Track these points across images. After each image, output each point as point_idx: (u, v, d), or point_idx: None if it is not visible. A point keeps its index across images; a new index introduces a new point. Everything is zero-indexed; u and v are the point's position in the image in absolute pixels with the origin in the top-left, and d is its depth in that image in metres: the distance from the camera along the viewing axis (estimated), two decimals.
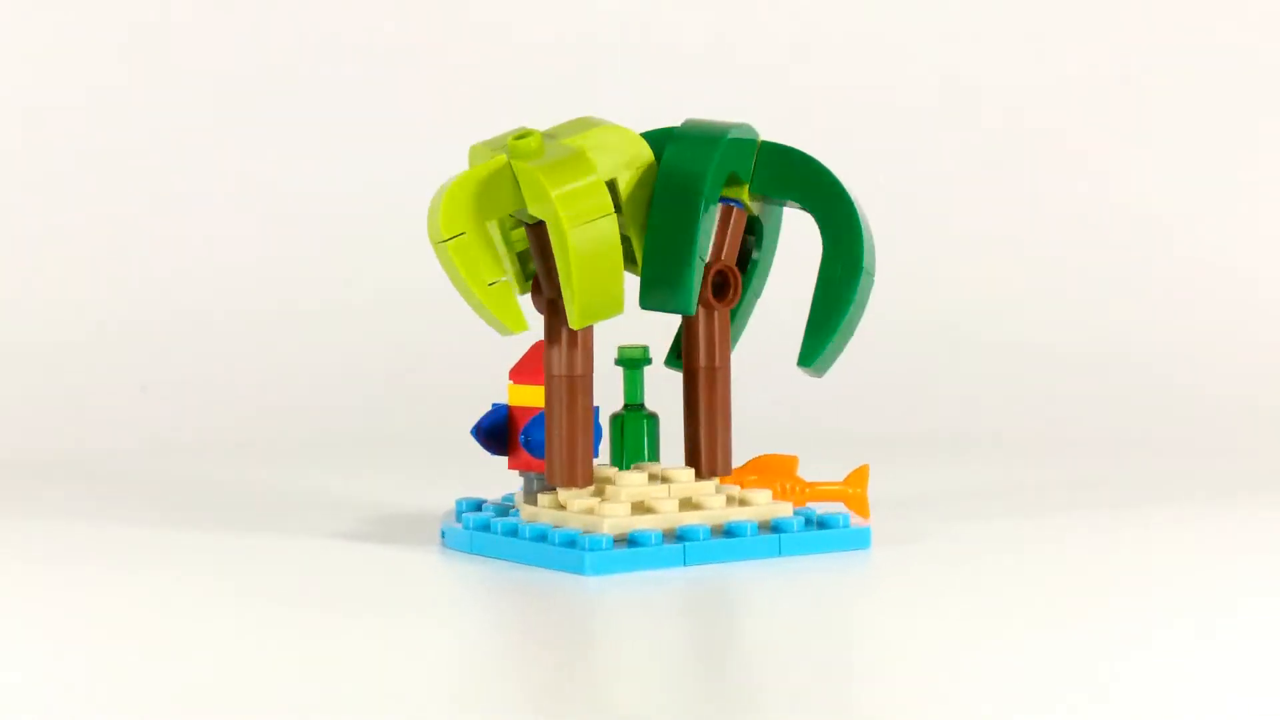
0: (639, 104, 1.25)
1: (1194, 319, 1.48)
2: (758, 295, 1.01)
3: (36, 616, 0.87)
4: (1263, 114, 1.55)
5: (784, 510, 0.96)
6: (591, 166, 0.91)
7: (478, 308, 0.93)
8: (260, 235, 1.53)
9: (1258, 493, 1.14)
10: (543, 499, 0.96)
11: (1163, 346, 1.46)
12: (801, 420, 1.32)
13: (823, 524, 0.96)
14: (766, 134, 0.98)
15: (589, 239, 0.91)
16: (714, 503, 0.95)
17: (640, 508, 0.94)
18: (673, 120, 0.98)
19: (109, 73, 1.54)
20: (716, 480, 0.97)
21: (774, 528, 0.95)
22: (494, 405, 0.99)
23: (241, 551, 0.98)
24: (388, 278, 1.47)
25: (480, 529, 0.96)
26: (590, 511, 0.93)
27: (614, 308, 0.92)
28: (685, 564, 0.92)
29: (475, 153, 0.96)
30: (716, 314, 0.97)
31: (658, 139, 0.96)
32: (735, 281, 0.97)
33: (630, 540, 0.92)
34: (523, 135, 0.93)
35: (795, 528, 0.95)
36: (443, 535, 0.98)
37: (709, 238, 0.95)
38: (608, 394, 1.00)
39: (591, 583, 0.89)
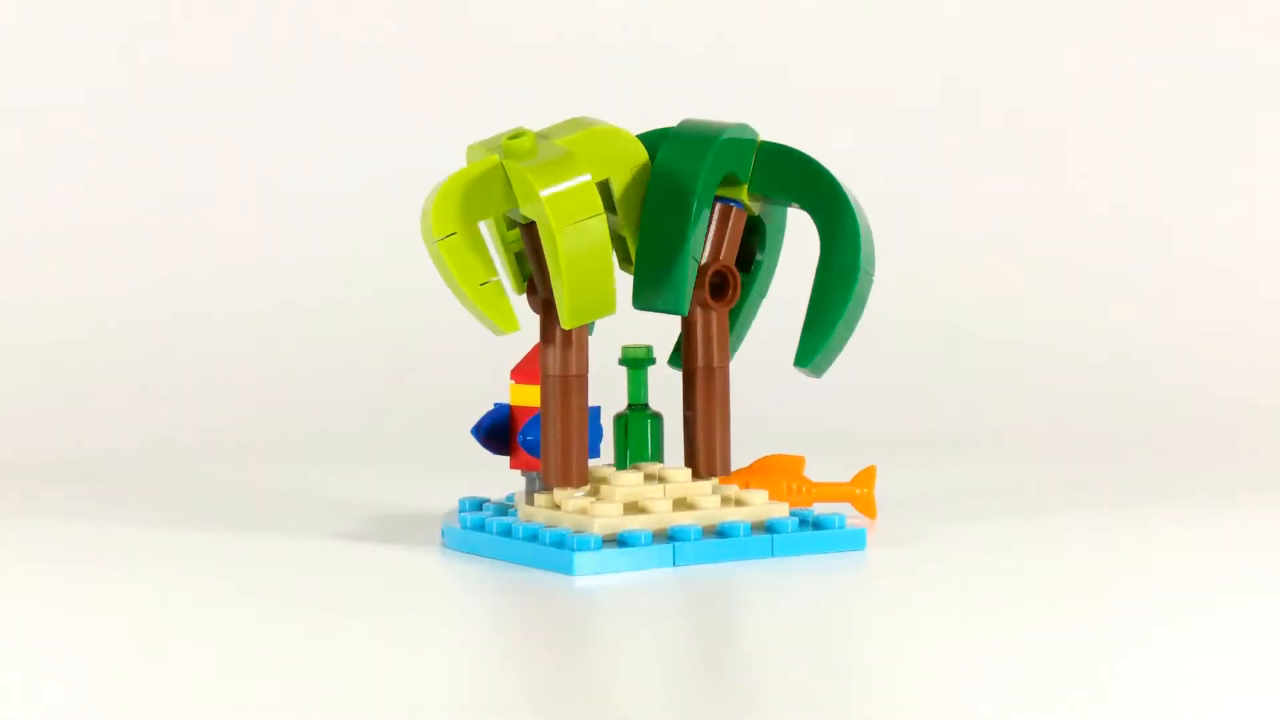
0: (639, 104, 1.26)
1: (1194, 319, 1.48)
2: (762, 296, 1.00)
3: (36, 616, 0.87)
4: (1263, 114, 1.55)
5: (779, 511, 0.96)
6: (581, 167, 0.91)
7: (470, 307, 0.94)
8: (260, 235, 1.53)
9: (1258, 493, 1.14)
10: (539, 499, 0.96)
11: (1163, 346, 1.46)
12: (802, 420, 1.32)
13: (818, 525, 0.96)
14: (766, 134, 0.98)
15: (578, 239, 0.91)
16: (708, 503, 0.95)
17: (633, 508, 0.94)
18: (672, 120, 0.97)
19: (109, 73, 1.54)
20: (715, 480, 0.97)
21: (768, 528, 0.95)
22: (496, 405, 1.00)
23: (241, 551, 0.98)
24: (388, 278, 1.47)
25: (476, 528, 0.96)
26: (583, 511, 0.93)
27: (605, 308, 0.92)
28: (675, 564, 0.92)
29: (472, 152, 0.96)
30: (715, 314, 0.97)
31: (655, 139, 0.96)
32: (734, 282, 0.96)
33: (620, 540, 0.92)
34: (516, 135, 0.93)
35: (790, 528, 0.95)
36: (443, 535, 0.98)
37: (702, 238, 0.95)
38: (612, 394, 1.00)
39: (588, 582, 0.89)
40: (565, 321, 0.92)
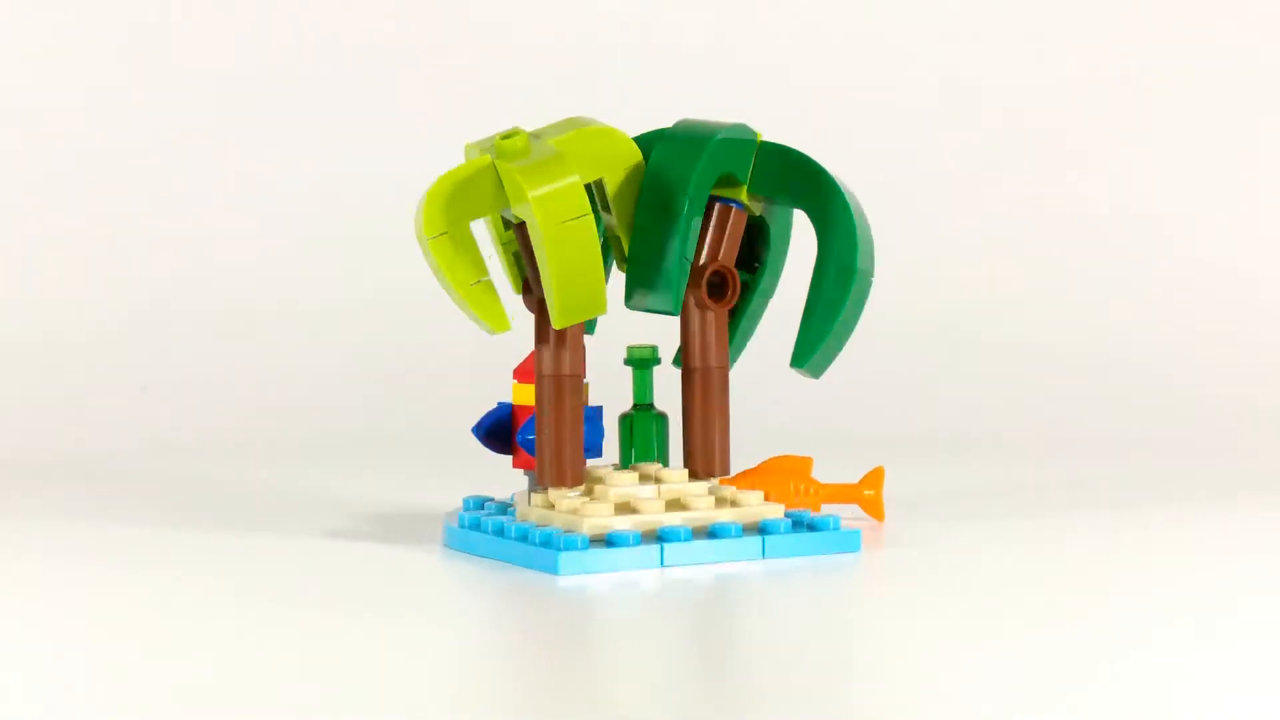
0: (639, 104, 1.26)
1: (1194, 319, 1.48)
2: (767, 297, 1.00)
3: (36, 616, 0.87)
4: (1263, 114, 1.55)
5: (774, 512, 0.96)
6: (570, 167, 0.92)
7: (461, 306, 0.94)
8: (260, 235, 1.53)
9: (1258, 493, 1.14)
10: (536, 498, 0.96)
11: (1163, 346, 1.46)
12: (802, 420, 1.32)
13: (812, 526, 0.96)
14: (767, 134, 0.97)
15: (565, 239, 0.91)
16: (702, 504, 0.95)
17: (625, 508, 0.94)
18: (672, 120, 0.97)
19: (109, 73, 1.55)
20: (714, 481, 0.97)
21: (761, 529, 0.95)
22: (499, 404, 1.00)
23: (241, 551, 0.98)
24: (388, 278, 1.47)
25: (472, 528, 0.96)
26: (574, 512, 0.93)
27: (596, 308, 0.92)
28: (663, 565, 0.92)
29: (470, 151, 0.96)
30: (713, 315, 0.96)
31: (652, 140, 0.96)
32: (733, 282, 0.96)
33: (608, 541, 0.92)
34: (509, 135, 0.93)
35: (783, 530, 0.95)
36: (445, 534, 0.99)
37: (695, 239, 0.95)
38: (617, 394, 1.00)
39: (574, 582, 0.89)
40: (556, 321, 0.92)
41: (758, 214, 0.98)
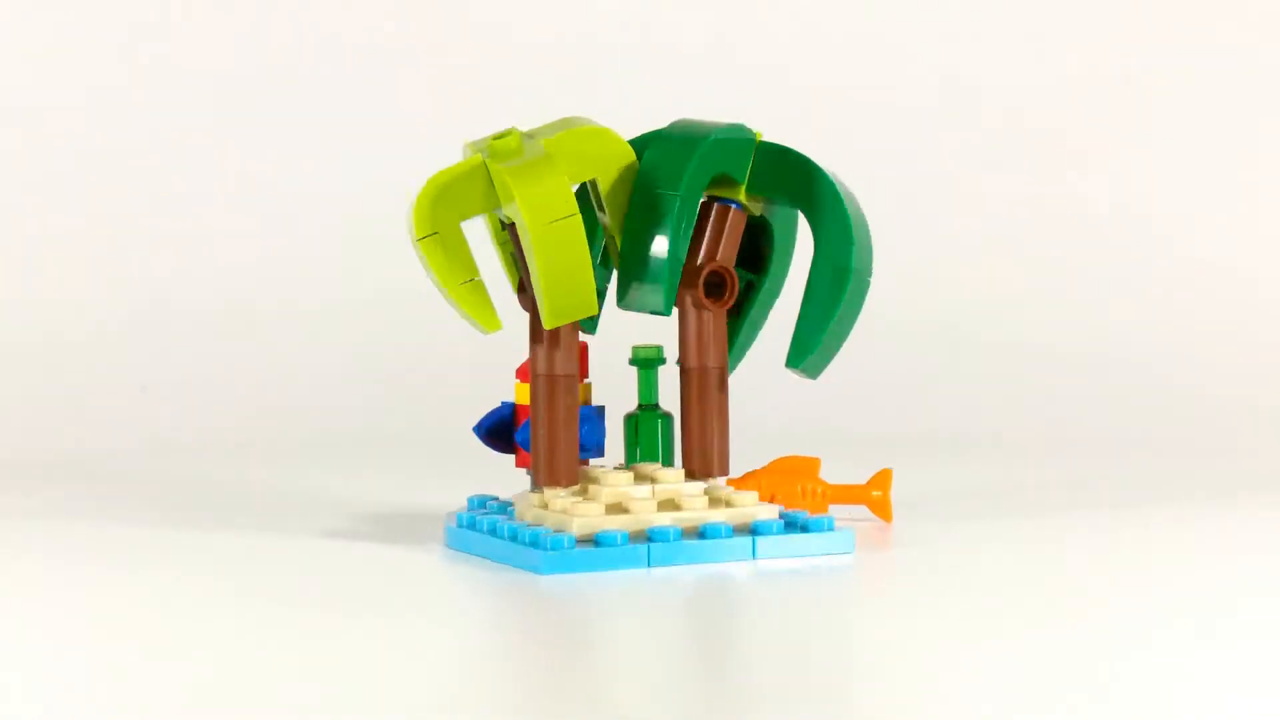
0: (639, 104, 1.26)
1: (1194, 319, 1.48)
2: (773, 298, 1.00)
3: (36, 616, 0.87)
4: (1263, 114, 1.55)
5: (768, 513, 0.95)
6: (558, 167, 0.92)
7: (454, 306, 0.94)
8: (260, 235, 1.53)
9: (1258, 493, 1.14)
10: (533, 498, 0.96)
11: (1163, 346, 1.46)
12: (802, 421, 1.32)
13: (805, 528, 0.95)
14: (767, 134, 0.97)
15: (552, 239, 0.91)
16: (695, 504, 0.94)
17: (617, 508, 0.94)
18: (671, 121, 0.97)
19: (109, 73, 1.55)
20: (716, 481, 0.97)
21: (752, 530, 0.95)
22: (503, 403, 1.00)
23: (241, 551, 0.98)
24: (388, 278, 1.47)
25: (468, 527, 0.97)
26: (565, 511, 0.93)
27: (586, 308, 0.92)
28: (650, 565, 0.92)
29: (467, 149, 0.96)
30: (710, 315, 0.96)
31: (649, 140, 0.96)
32: (731, 282, 0.96)
33: (596, 541, 0.92)
34: (502, 135, 0.93)
35: (775, 530, 0.94)
36: (446, 534, 0.99)
37: (686, 239, 0.95)
38: (623, 394, 1.00)
39: (590, 582, 0.89)
40: (546, 321, 0.92)
41: (758, 214, 0.98)
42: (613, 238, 0.96)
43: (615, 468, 0.98)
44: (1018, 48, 1.57)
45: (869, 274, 0.95)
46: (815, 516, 0.96)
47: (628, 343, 1.00)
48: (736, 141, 0.96)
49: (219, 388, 1.44)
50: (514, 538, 0.93)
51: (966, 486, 1.15)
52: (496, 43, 1.57)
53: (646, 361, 0.99)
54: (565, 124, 0.96)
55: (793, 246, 1.00)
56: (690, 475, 0.97)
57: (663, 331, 1.00)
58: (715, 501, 0.96)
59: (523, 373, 0.99)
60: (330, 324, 1.49)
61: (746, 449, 1.04)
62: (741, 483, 1.02)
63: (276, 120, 1.55)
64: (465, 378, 1.29)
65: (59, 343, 1.46)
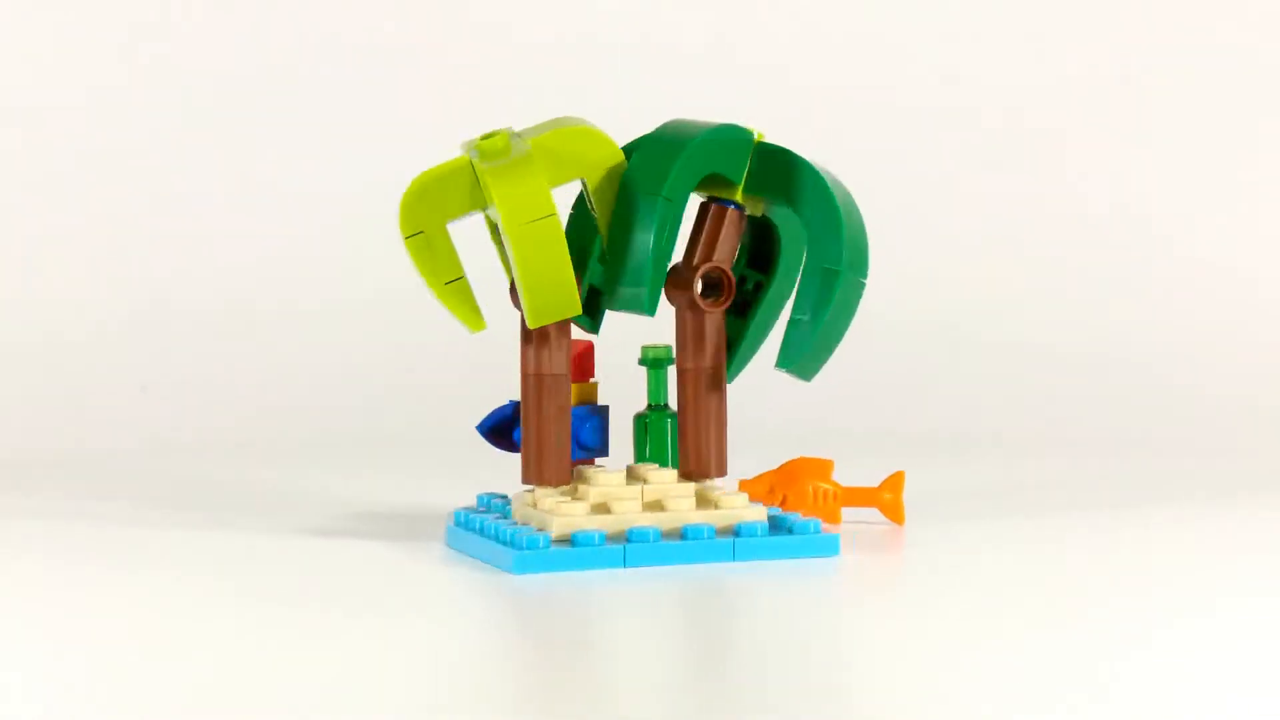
0: (639, 104, 1.26)
1: (1194, 319, 1.48)
2: (783, 298, 0.99)
3: (36, 616, 0.87)
4: (1263, 114, 1.55)
5: (755, 514, 0.95)
6: (535, 168, 0.92)
7: (441, 305, 0.94)
8: (260, 235, 1.53)
9: (1258, 493, 1.14)
10: (527, 497, 0.96)
11: (1163, 346, 1.46)
12: (801, 421, 1.32)
13: (791, 530, 0.95)
14: (768, 134, 0.97)
15: (529, 240, 0.91)
16: (680, 505, 0.94)
17: (603, 508, 0.94)
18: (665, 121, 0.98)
19: (109, 73, 1.54)
20: (711, 481, 0.97)
21: (735, 532, 0.94)
22: (510, 401, 0.99)
23: (241, 551, 0.98)
24: (388, 278, 1.47)
25: (462, 526, 0.97)
26: (550, 511, 0.93)
27: (569, 308, 0.92)
28: (625, 565, 0.92)
29: (461, 149, 0.97)
30: (707, 315, 0.96)
31: (641, 143, 0.96)
32: (728, 283, 0.96)
33: (573, 541, 0.92)
34: (490, 135, 0.93)
35: (759, 533, 0.94)
36: (447, 533, 0.99)
37: (672, 239, 0.95)
38: (631, 394, 1.00)
39: (589, 582, 0.89)
40: (529, 321, 0.93)
41: (759, 214, 0.97)
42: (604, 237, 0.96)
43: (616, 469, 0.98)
44: (1018, 48, 1.57)
45: (863, 275, 0.94)
46: (802, 520, 0.95)
47: (639, 342, 1.00)
48: (729, 141, 0.95)
49: (219, 388, 1.44)
50: (494, 537, 0.93)
51: (966, 486, 1.15)
52: (496, 43, 1.57)
53: (656, 361, 0.99)
54: (555, 123, 0.96)
55: (802, 249, 0.99)
56: (687, 476, 0.97)
57: (669, 332, 1.00)
58: (704, 503, 0.95)
59: None
60: (330, 324, 1.49)
61: (756, 450, 1.04)
62: (753, 484, 1.02)
63: (276, 120, 1.55)
64: (465, 377, 1.29)
65: (59, 343, 1.46)
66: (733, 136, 0.96)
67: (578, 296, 0.93)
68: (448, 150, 0.97)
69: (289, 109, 1.55)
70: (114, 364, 1.44)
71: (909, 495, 1.05)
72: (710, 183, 0.96)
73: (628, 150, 0.96)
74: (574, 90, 1.53)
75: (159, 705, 0.71)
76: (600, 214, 0.95)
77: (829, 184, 0.94)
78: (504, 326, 0.98)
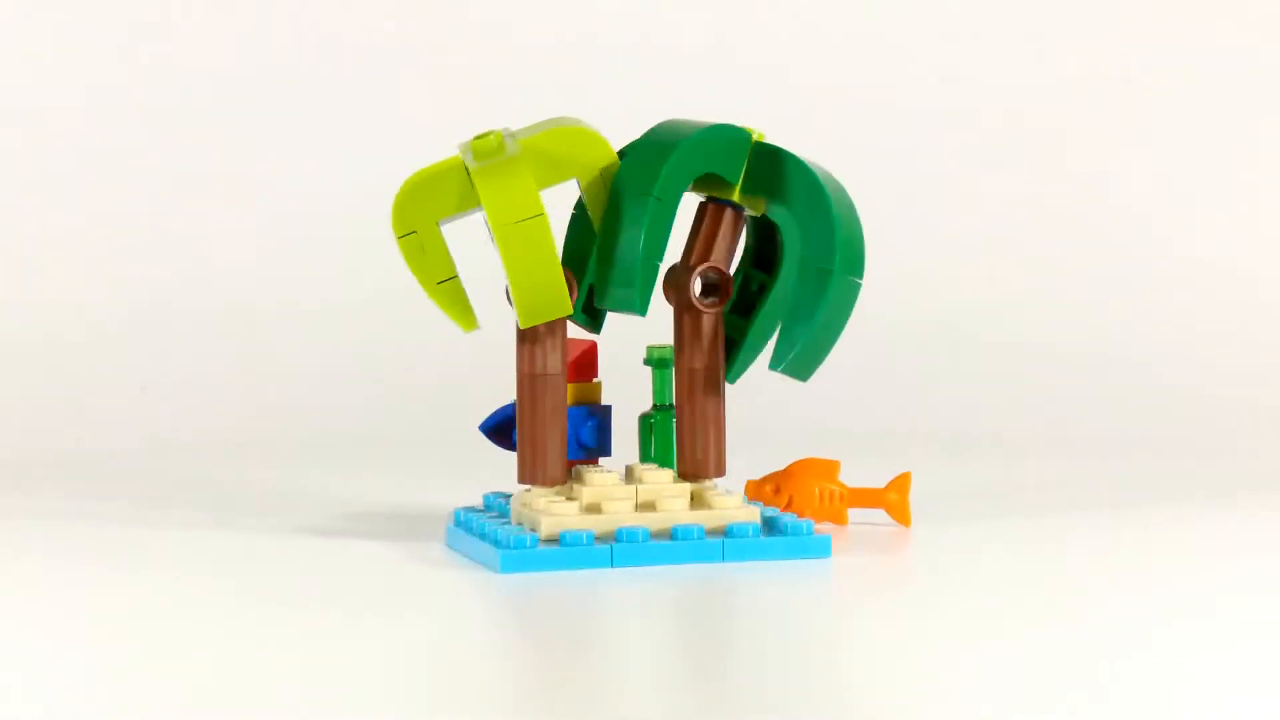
0: (639, 104, 1.26)
1: (1194, 319, 1.48)
2: (786, 299, 0.99)
3: (36, 616, 0.87)
4: (1263, 114, 1.55)
5: (747, 515, 0.95)
6: (521, 168, 0.92)
7: (434, 305, 0.95)
8: (260, 235, 1.53)
9: (1258, 493, 1.14)
10: (523, 497, 0.96)
11: (1163, 346, 1.46)
12: (801, 421, 1.32)
13: (782, 531, 0.95)
14: (768, 134, 0.97)
15: (516, 240, 0.91)
16: (672, 505, 0.94)
17: (595, 508, 0.94)
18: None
19: (109, 73, 1.55)
20: (709, 482, 0.97)
21: (725, 533, 0.94)
22: (512, 401, 0.99)
23: (241, 551, 0.98)
24: (388, 278, 1.47)
25: (458, 525, 0.97)
26: (542, 511, 0.93)
27: (559, 308, 0.93)
28: (613, 565, 0.92)
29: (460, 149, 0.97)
30: (704, 315, 0.96)
31: (635, 144, 0.96)
32: (725, 283, 0.96)
33: (561, 540, 0.92)
34: (483, 136, 0.93)
35: (749, 533, 0.94)
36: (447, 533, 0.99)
37: (664, 239, 0.94)
38: (637, 394, 1.00)
39: (590, 582, 0.89)
40: (521, 321, 0.93)
41: (759, 214, 0.97)
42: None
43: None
44: (1018, 48, 1.57)
45: (858, 275, 0.93)
46: (796, 521, 0.95)
47: (644, 342, 0.99)
48: (723, 141, 0.95)
49: (219, 388, 1.44)
50: (482, 536, 0.94)
51: (966, 486, 1.15)
52: (496, 43, 1.57)
53: (661, 361, 0.99)
54: (549, 124, 0.96)
55: None
56: (684, 477, 0.97)
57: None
58: (697, 503, 0.95)
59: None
60: (330, 324, 1.49)
61: (756, 451, 1.03)
62: (759, 485, 1.02)
63: (276, 120, 1.55)
64: (465, 377, 1.29)
65: (59, 343, 1.46)
66: (728, 136, 0.95)
67: (568, 296, 0.93)
68: (447, 151, 0.97)
69: (289, 109, 1.55)
70: (114, 364, 1.44)
71: (910, 494, 1.05)
72: (707, 183, 0.96)
73: (624, 152, 0.96)
74: (574, 90, 1.53)
75: (159, 705, 0.71)
76: (594, 215, 0.95)
77: (823, 183, 0.94)
78: (503, 326, 0.98)
